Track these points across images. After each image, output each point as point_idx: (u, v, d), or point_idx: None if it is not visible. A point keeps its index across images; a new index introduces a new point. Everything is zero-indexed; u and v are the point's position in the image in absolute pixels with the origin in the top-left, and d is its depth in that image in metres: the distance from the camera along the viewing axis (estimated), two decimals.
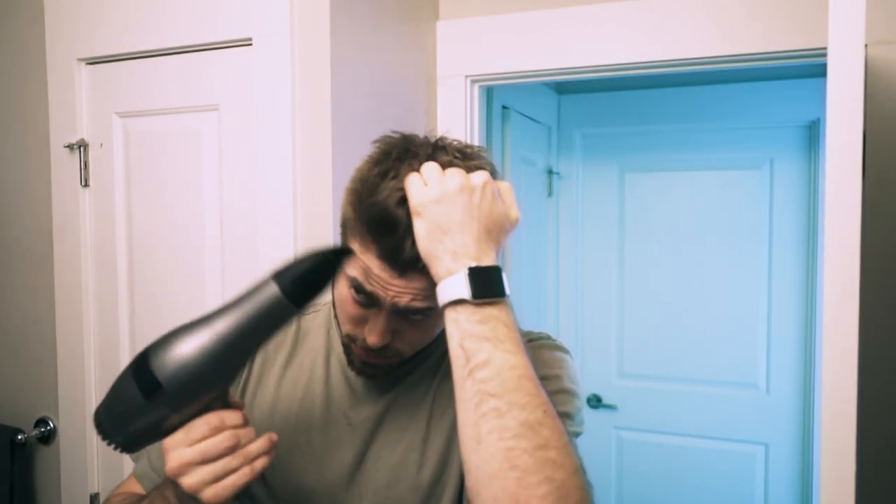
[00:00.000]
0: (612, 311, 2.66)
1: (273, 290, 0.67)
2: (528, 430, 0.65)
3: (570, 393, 0.83)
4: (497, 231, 0.73)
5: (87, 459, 1.60)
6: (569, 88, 2.67)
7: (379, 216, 0.73)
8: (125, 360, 1.56)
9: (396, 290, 0.75)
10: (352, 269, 0.77)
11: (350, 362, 0.85)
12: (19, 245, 1.66)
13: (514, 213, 0.76)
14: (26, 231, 1.63)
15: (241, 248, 1.43)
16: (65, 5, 1.56)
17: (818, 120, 2.35)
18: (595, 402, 2.70)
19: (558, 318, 2.70)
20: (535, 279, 2.46)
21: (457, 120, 1.77)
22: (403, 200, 0.73)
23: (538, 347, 0.87)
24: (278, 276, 0.67)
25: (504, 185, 0.77)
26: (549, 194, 2.61)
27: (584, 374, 2.73)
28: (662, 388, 2.59)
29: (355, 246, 0.77)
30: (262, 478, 0.85)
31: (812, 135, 2.38)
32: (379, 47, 1.54)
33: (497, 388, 0.66)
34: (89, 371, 1.59)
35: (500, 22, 1.73)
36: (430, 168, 0.73)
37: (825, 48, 0.95)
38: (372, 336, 0.78)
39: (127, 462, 1.57)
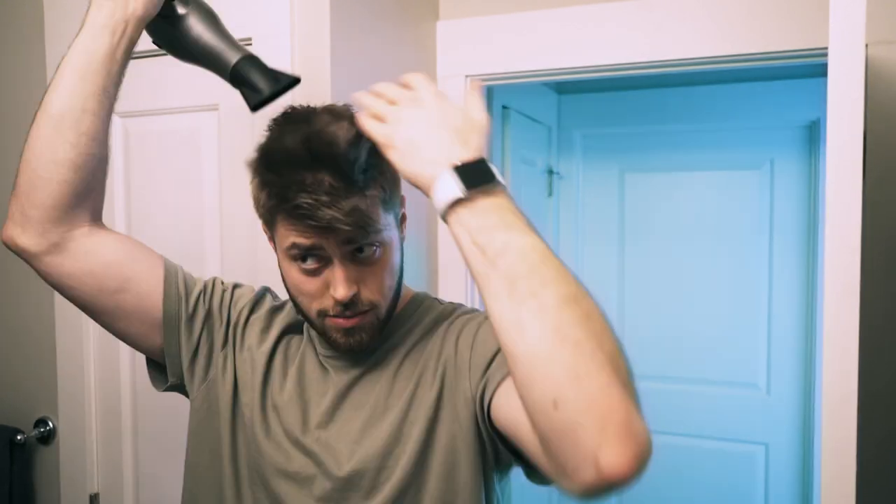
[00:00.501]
0: (612, 310, 2.65)
1: (235, 58, 0.89)
2: (570, 302, 0.63)
3: None
4: (467, 132, 0.76)
5: (87, 459, 1.60)
6: (569, 88, 2.67)
7: (283, 174, 0.79)
8: (125, 360, 1.56)
9: (335, 230, 0.78)
10: (287, 240, 0.82)
11: (333, 342, 0.88)
12: None
13: (477, 114, 0.78)
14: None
15: (240, 248, 1.43)
16: (64, 5, 1.56)
17: (818, 120, 2.35)
18: None
19: None
20: None
21: None
22: (293, 150, 0.79)
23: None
24: (249, 59, 0.90)
25: (470, 91, 0.81)
26: (549, 194, 2.61)
27: None
28: (662, 388, 2.59)
29: (281, 222, 0.82)
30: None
31: (812, 135, 2.38)
32: (379, 47, 1.54)
33: (525, 269, 0.65)
34: (89, 371, 1.59)
35: (500, 22, 1.72)
36: (375, 100, 0.79)
37: (825, 48, 0.95)
38: (339, 289, 0.81)
39: (127, 463, 1.57)
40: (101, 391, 1.59)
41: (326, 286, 0.84)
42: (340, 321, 0.85)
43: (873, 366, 1.29)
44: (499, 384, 0.78)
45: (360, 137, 0.80)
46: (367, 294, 0.85)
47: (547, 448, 0.64)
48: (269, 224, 0.87)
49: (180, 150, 1.50)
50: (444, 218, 0.71)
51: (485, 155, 0.74)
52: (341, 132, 0.80)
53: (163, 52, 0.96)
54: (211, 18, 0.93)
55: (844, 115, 0.93)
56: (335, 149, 0.79)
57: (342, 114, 0.84)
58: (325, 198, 0.77)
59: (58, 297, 1.61)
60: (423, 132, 0.74)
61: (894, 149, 1.33)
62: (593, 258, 2.68)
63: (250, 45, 1.38)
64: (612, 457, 0.58)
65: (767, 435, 2.47)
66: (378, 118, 0.78)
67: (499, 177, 0.71)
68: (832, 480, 0.94)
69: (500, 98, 2.04)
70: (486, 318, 0.87)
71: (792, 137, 2.41)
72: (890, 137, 1.33)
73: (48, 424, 1.64)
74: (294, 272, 0.86)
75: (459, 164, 0.70)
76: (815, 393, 2.37)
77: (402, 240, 0.91)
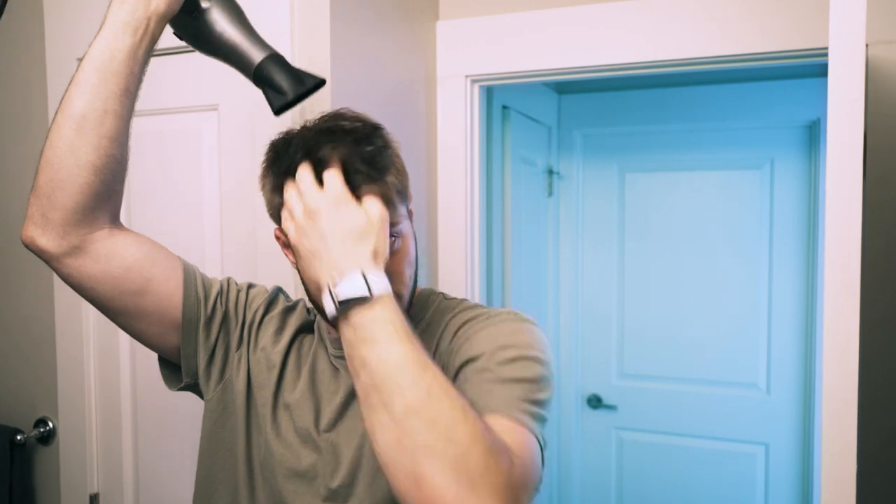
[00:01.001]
0: (612, 311, 2.66)
1: (260, 57, 0.88)
2: (410, 415, 0.68)
3: (530, 359, 0.84)
4: (358, 237, 0.76)
5: (87, 460, 1.60)
6: (569, 88, 2.67)
7: (297, 156, 0.81)
8: (125, 360, 1.56)
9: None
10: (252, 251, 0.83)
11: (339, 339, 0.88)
12: (19, 245, 1.66)
13: (373, 213, 0.78)
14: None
15: (241, 248, 1.43)
16: (64, 5, 1.55)
17: (818, 120, 2.35)
18: (595, 402, 2.70)
19: (558, 318, 2.70)
20: (535, 279, 2.46)
21: (457, 120, 1.77)
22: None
23: (499, 322, 0.89)
24: (274, 58, 0.88)
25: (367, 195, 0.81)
26: (549, 194, 2.61)
27: (585, 374, 2.73)
28: (662, 388, 2.59)
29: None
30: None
31: (812, 135, 2.38)
32: (379, 47, 1.54)
33: (377, 380, 0.70)
34: (89, 371, 1.59)
35: (500, 22, 1.72)
36: (289, 201, 0.81)
37: (825, 48, 0.95)
38: None
39: (127, 463, 1.57)
40: (101, 391, 1.59)
41: None
42: None
43: (873, 366, 1.29)
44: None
45: (375, 128, 0.84)
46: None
47: None
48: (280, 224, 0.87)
49: (180, 150, 1.50)
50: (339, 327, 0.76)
51: (370, 261, 0.76)
52: (356, 122, 0.83)
53: (162, 51, 0.96)
54: (236, 13, 0.91)
55: (844, 114, 0.92)
56: (353, 126, 0.81)
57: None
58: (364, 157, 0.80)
59: (58, 298, 1.61)
60: (317, 245, 0.77)
61: (894, 149, 1.33)
62: (593, 258, 2.68)
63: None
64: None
65: (767, 435, 2.47)
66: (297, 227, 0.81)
67: (375, 289, 0.73)
68: (832, 480, 0.94)
69: (500, 98, 2.04)
70: (490, 317, 0.89)
71: (792, 137, 2.42)
72: (890, 137, 1.33)
73: (48, 424, 1.64)
74: None
75: (334, 284, 0.74)
76: (815, 393, 2.37)
77: (414, 232, 0.92)
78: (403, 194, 0.87)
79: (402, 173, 0.87)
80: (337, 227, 0.77)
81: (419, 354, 0.71)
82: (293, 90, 0.87)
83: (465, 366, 0.83)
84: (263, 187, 0.88)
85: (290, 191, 0.81)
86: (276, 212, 0.87)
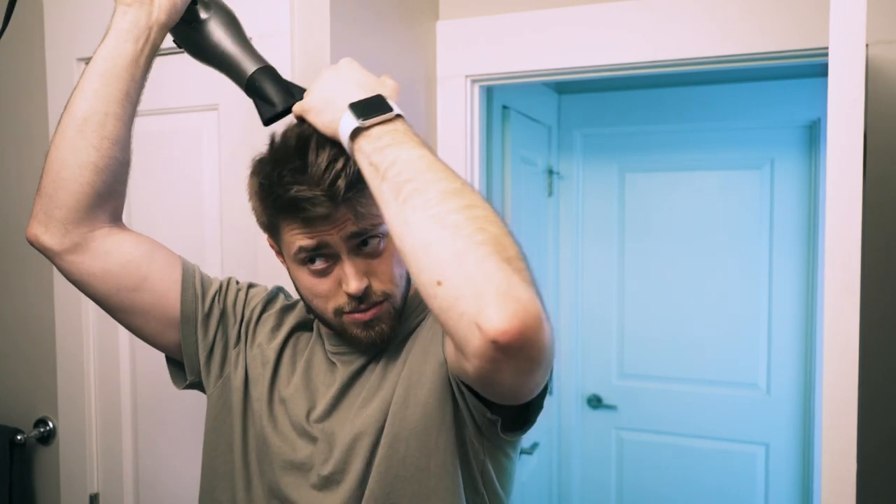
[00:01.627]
0: (612, 310, 2.66)
1: (253, 68, 0.91)
2: (450, 195, 0.68)
3: None
4: (373, 85, 0.82)
5: (87, 460, 1.60)
6: (569, 88, 2.67)
7: (276, 170, 0.84)
8: (125, 360, 1.56)
9: (336, 226, 0.83)
10: (293, 246, 0.85)
11: (355, 340, 0.90)
12: (19, 245, 1.66)
13: (388, 80, 0.85)
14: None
15: (240, 248, 1.43)
16: (64, 5, 1.55)
17: (818, 120, 2.35)
18: (595, 402, 2.70)
19: (558, 318, 2.70)
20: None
21: (457, 120, 1.77)
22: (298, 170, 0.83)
23: None
24: (266, 70, 0.91)
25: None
26: (549, 194, 2.61)
27: (584, 374, 2.73)
28: (662, 388, 2.59)
29: (284, 228, 0.86)
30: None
31: (812, 135, 2.38)
32: (379, 47, 1.54)
33: (411, 173, 0.70)
34: (89, 371, 1.59)
35: (500, 22, 1.72)
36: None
37: (825, 48, 0.95)
38: (351, 283, 0.84)
39: (127, 463, 1.57)
40: (101, 391, 1.59)
41: (338, 284, 0.86)
42: (357, 316, 0.87)
43: (874, 365, 1.29)
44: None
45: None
46: (379, 285, 0.87)
47: (446, 332, 0.67)
48: (273, 233, 0.90)
49: (180, 150, 1.50)
50: (352, 153, 0.77)
51: (389, 94, 0.81)
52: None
53: (162, 52, 0.97)
54: (233, 25, 0.95)
55: (844, 114, 0.93)
56: (323, 143, 0.83)
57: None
58: (318, 189, 0.80)
59: (57, 297, 1.61)
60: (332, 89, 0.81)
61: (894, 149, 1.33)
62: (593, 258, 2.68)
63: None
64: (490, 318, 0.61)
65: (767, 435, 2.47)
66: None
67: (395, 108, 0.77)
68: (832, 480, 0.94)
69: (500, 98, 2.04)
70: None
71: (792, 137, 2.42)
72: (890, 137, 1.33)
73: (48, 424, 1.64)
74: (305, 276, 0.88)
75: (355, 101, 0.77)
76: (815, 393, 2.37)
77: None
78: None
79: None
80: (356, 73, 0.83)
81: (441, 161, 0.74)
82: (282, 102, 0.90)
83: None
84: (252, 198, 0.91)
85: None
86: (263, 224, 0.90)
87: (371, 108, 0.76)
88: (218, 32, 0.94)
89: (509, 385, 0.71)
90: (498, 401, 0.78)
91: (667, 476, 2.59)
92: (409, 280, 0.92)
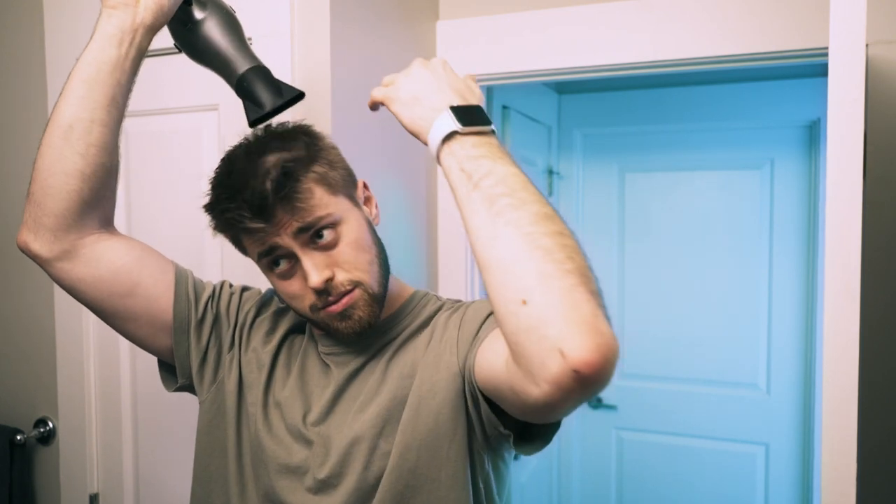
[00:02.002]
0: (612, 310, 2.64)
1: (244, 68, 0.90)
2: (543, 218, 0.68)
3: None
4: (465, 92, 0.80)
5: (87, 460, 1.60)
6: (569, 88, 2.67)
7: (229, 197, 0.85)
8: (125, 360, 1.56)
9: (280, 227, 0.84)
10: (253, 254, 0.88)
11: (336, 333, 0.90)
12: None
13: (475, 87, 0.83)
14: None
15: None
16: (64, 5, 1.55)
17: (818, 120, 2.35)
18: (595, 402, 2.70)
19: None
20: None
21: None
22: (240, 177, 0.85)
23: (479, 303, 0.92)
24: (256, 69, 0.90)
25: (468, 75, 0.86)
26: (549, 194, 2.61)
27: None
28: (662, 388, 2.59)
29: (243, 240, 0.89)
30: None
31: (812, 135, 2.38)
32: (379, 47, 1.54)
33: (506, 189, 0.69)
34: (89, 371, 1.59)
35: (500, 22, 1.72)
36: (390, 76, 0.85)
37: (825, 48, 0.95)
38: (312, 277, 0.84)
39: (127, 463, 1.57)
40: (101, 391, 1.59)
41: (305, 282, 0.86)
42: (330, 309, 0.87)
43: (874, 365, 1.29)
44: (480, 345, 0.82)
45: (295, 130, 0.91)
46: (344, 275, 0.87)
47: (516, 351, 0.66)
48: (238, 248, 0.92)
49: (180, 150, 1.50)
50: (438, 154, 0.76)
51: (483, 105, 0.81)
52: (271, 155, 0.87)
53: (162, 51, 0.97)
54: (230, 25, 0.94)
55: (844, 114, 0.93)
56: (246, 158, 0.86)
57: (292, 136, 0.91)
58: (246, 206, 0.83)
59: (57, 298, 1.61)
60: (426, 86, 0.80)
61: (894, 149, 1.33)
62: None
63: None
64: (576, 346, 0.61)
65: (767, 435, 2.47)
66: (384, 85, 0.84)
67: (493, 124, 0.76)
68: (832, 481, 0.94)
69: (500, 98, 2.04)
70: (475, 301, 0.92)
71: (792, 137, 2.42)
72: (890, 137, 1.34)
73: (48, 424, 1.64)
74: (275, 281, 0.90)
75: (457, 105, 0.76)
76: (815, 393, 2.37)
77: (370, 219, 0.95)
78: (335, 184, 0.89)
79: (329, 164, 0.90)
80: (450, 77, 0.82)
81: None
82: (270, 103, 0.89)
83: (486, 318, 0.85)
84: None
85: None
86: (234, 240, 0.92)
87: (471, 116, 0.75)
88: (213, 33, 0.92)
89: (562, 412, 0.70)
90: (528, 419, 0.77)
91: (667, 476, 2.59)
92: (385, 265, 0.92)
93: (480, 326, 0.85)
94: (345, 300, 0.87)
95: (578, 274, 0.65)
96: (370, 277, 0.88)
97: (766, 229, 2.45)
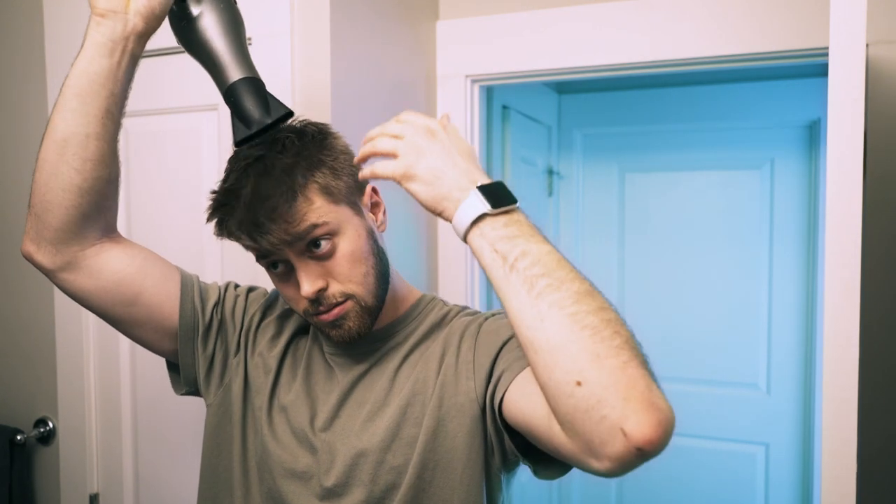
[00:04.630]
0: None
1: (235, 77, 0.85)
2: (585, 296, 0.68)
3: None
4: (474, 158, 0.79)
5: (87, 460, 1.60)
6: (569, 88, 2.67)
7: (225, 204, 0.86)
8: (125, 360, 1.56)
9: (281, 234, 0.83)
10: (253, 254, 0.88)
11: (328, 337, 0.90)
12: (19, 247, 1.66)
13: (467, 142, 0.82)
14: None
15: (240, 249, 1.43)
16: (63, 5, 1.55)
17: (819, 120, 2.35)
18: None
19: None
20: None
21: (457, 120, 1.77)
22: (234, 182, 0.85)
23: (500, 318, 0.90)
24: (248, 81, 0.85)
25: (449, 121, 0.84)
26: (549, 194, 2.61)
27: None
28: (662, 387, 2.59)
29: (234, 238, 0.87)
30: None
31: (812, 135, 2.38)
32: (379, 47, 1.54)
33: (543, 269, 0.69)
34: (89, 371, 1.59)
35: (500, 22, 1.72)
36: (385, 140, 0.80)
37: (826, 48, 0.95)
38: (304, 287, 0.84)
39: (127, 463, 1.57)
40: (101, 391, 1.59)
41: (300, 287, 0.86)
42: (322, 317, 0.87)
43: (874, 365, 1.29)
44: (511, 380, 0.80)
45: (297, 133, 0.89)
46: (338, 286, 0.86)
47: (571, 429, 0.66)
48: (243, 247, 0.91)
49: (180, 150, 1.49)
50: (466, 234, 0.74)
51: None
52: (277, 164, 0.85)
53: (162, 51, 0.96)
54: (229, 24, 0.89)
55: (845, 114, 0.93)
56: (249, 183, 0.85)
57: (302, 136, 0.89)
58: (243, 231, 0.83)
59: (57, 298, 1.61)
60: (443, 160, 0.76)
61: (894, 149, 1.33)
62: (593, 258, 2.68)
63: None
64: (637, 425, 0.62)
65: (767, 435, 2.47)
66: (389, 155, 0.79)
67: (518, 201, 0.75)
68: (832, 480, 0.94)
69: (500, 98, 2.04)
70: (487, 318, 0.90)
71: (792, 137, 2.41)
72: (890, 137, 1.33)
73: (48, 424, 1.64)
74: (274, 281, 0.90)
75: (483, 183, 0.74)
76: (816, 393, 2.37)
77: (373, 226, 0.92)
78: (337, 193, 0.87)
79: (333, 172, 0.87)
80: (457, 144, 0.79)
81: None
82: (257, 123, 0.84)
83: (504, 346, 0.84)
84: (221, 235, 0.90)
85: (388, 122, 0.82)
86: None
87: (498, 195, 0.74)
88: (210, 31, 0.87)
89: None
90: (563, 461, 0.76)
91: (667, 476, 2.59)
92: (385, 277, 0.91)
93: (498, 352, 0.84)
94: (336, 311, 0.86)
95: (628, 349, 0.65)
96: (364, 290, 0.88)
97: (766, 229, 2.45)
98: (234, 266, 1.44)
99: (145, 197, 1.53)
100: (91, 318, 1.59)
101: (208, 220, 0.89)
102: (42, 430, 1.64)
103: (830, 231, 0.94)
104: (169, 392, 1.05)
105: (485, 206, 0.72)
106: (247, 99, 0.85)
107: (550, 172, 2.60)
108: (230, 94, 0.86)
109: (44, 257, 0.89)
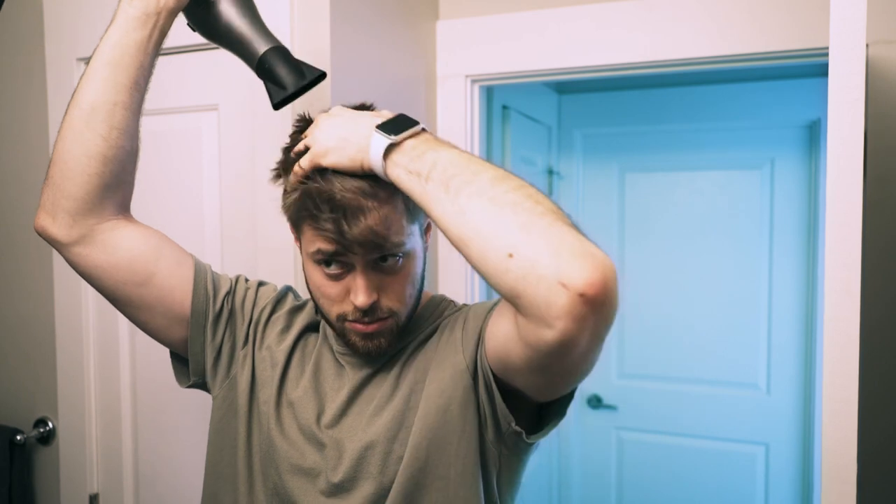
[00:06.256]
0: None
1: (263, 48, 0.89)
2: (499, 180, 0.71)
3: None
4: (370, 120, 0.81)
5: (87, 460, 1.60)
6: (569, 88, 2.67)
7: (320, 195, 0.82)
8: (125, 360, 1.56)
9: (360, 241, 0.81)
10: (313, 245, 0.84)
11: (352, 345, 0.89)
12: (19, 245, 1.66)
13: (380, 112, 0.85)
14: (26, 231, 1.63)
15: (241, 247, 1.43)
16: (63, 5, 1.55)
17: (819, 120, 2.35)
18: (595, 402, 2.70)
19: None
20: None
21: (457, 120, 1.77)
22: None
23: (479, 304, 0.92)
24: (277, 50, 0.89)
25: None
26: (549, 194, 2.60)
27: None
28: (662, 388, 2.59)
29: (307, 229, 0.84)
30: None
31: (812, 135, 2.38)
32: (379, 47, 1.54)
33: (455, 169, 0.73)
34: (89, 371, 1.59)
35: (500, 22, 1.72)
36: (306, 141, 0.84)
37: (826, 48, 0.95)
38: (360, 297, 0.83)
39: (127, 463, 1.57)
40: (101, 391, 1.59)
41: (348, 291, 0.85)
42: (359, 326, 0.87)
43: (874, 365, 1.29)
44: (486, 332, 0.83)
45: None
46: (387, 302, 0.86)
47: (518, 303, 0.68)
48: (296, 226, 0.88)
49: (180, 150, 1.50)
50: (385, 172, 0.77)
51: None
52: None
53: (162, 51, 0.96)
54: (246, 4, 0.93)
55: (845, 114, 0.93)
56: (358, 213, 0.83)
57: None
58: (349, 219, 0.80)
59: (58, 298, 1.61)
60: (343, 126, 0.81)
61: (894, 149, 1.33)
62: None
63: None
64: (574, 273, 0.64)
65: (767, 435, 2.47)
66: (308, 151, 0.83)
67: (420, 122, 0.79)
68: (832, 480, 0.94)
69: (500, 98, 2.04)
70: (477, 304, 0.92)
71: (792, 137, 2.42)
72: (890, 137, 1.34)
73: (48, 424, 1.64)
74: (318, 275, 0.87)
75: (381, 122, 0.79)
76: (815, 393, 2.37)
77: (425, 249, 0.92)
78: (414, 212, 0.86)
79: None
80: (358, 113, 0.84)
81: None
82: (293, 84, 0.89)
83: (489, 313, 0.86)
84: (285, 183, 0.89)
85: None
86: (288, 212, 0.87)
87: (399, 125, 0.78)
88: (229, 12, 0.92)
89: (582, 345, 0.69)
90: (553, 377, 0.77)
91: (667, 476, 2.59)
92: (417, 299, 0.91)
93: (483, 323, 0.86)
94: (377, 325, 0.86)
95: (551, 213, 0.68)
96: (406, 310, 0.89)
97: (766, 229, 2.45)
98: (234, 266, 1.44)
99: (145, 197, 1.52)
100: (91, 317, 1.59)
101: (291, 195, 0.85)
102: (42, 430, 1.64)
103: (830, 231, 0.94)
104: (169, 391, 1.05)
105: (388, 139, 0.76)
106: (279, 65, 0.90)
107: (550, 172, 2.60)
108: (262, 63, 0.90)
109: (59, 229, 0.89)
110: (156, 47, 0.90)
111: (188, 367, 1.00)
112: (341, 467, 0.88)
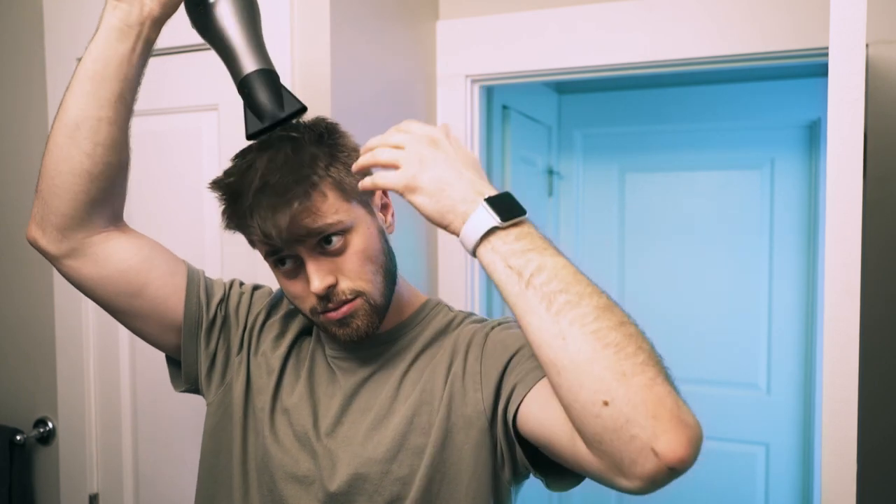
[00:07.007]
0: None
1: (250, 69, 0.84)
2: (605, 311, 0.66)
3: None
4: (478, 168, 0.77)
5: (87, 460, 1.60)
6: (569, 88, 2.67)
7: (238, 196, 0.82)
8: (125, 360, 1.56)
9: (293, 230, 0.80)
10: (261, 251, 0.86)
11: (334, 337, 0.89)
12: (19, 245, 1.66)
13: (472, 153, 0.80)
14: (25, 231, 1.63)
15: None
16: (63, 5, 1.55)
17: (819, 120, 2.35)
18: None
19: None
20: None
21: (457, 120, 1.77)
22: (242, 173, 0.83)
23: (507, 328, 0.89)
24: (262, 74, 0.84)
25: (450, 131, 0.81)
26: (550, 194, 2.61)
27: None
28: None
29: (250, 238, 0.86)
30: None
31: (812, 135, 2.38)
32: (379, 47, 1.54)
33: (561, 284, 0.67)
34: (88, 371, 1.59)
35: (500, 22, 1.72)
36: (386, 150, 0.77)
37: (825, 48, 0.95)
38: (314, 282, 0.82)
39: (127, 463, 1.57)
40: (101, 391, 1.59)
41: (308, 284, 0.85)
42: (330, 315, 0.86)
43: (874, 365, 1.29)
44: (525, 394, 0.78)
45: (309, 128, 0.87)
46: (347, 283, 0.85)
47: (598, 448, 0.65)
48: (249, 242, 0.89)
49: (180, 150, 1.50)
50: (475, 249, 0.72)
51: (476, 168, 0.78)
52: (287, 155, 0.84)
53: (162, 51, 0.95)
54: (246, 12, 0.87)
55: (845, 114, 0.93)
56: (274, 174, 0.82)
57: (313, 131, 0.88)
58: (274, 218, 0.80)
59: (58, 298, 1.61)
60: (447, 171, 0.74)
61: (894, 149, 1.33)
62: (593, 258, 2.68)
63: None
64: (669, 444, 0.61)
65: (767, 435, 2.47)
66: (391, 166, 0.77)
67: (525, 207, 0.73)
68: (832, 480, 0.94)
69: (500, 98, 2.04)
70: (494, 328, 0.89)
71: (792, 137, 2.41)
72: (890, 137, 1.34)
73: (48, 425, 1.64)
74: (279, 278, 0.88)
75: (490, 196, 0.72)
76: (816, 393, 2.37)
77: (384, 226, 0.92)
78: (351, 191, 0.85)
79: (347, 170, 0.85)
80: (461, 154, 0.76)
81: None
82: (270, 117, 0.83)
83: (512, 359, 0.83)
84: (228, 228, 0.88)
85: (388, 132, 0.80)
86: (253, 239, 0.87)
87: (507, 207, 0.71)
88: (226, 19, 0.86)
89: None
90: (586, 476, 0.74)
91: None
92: (392, 277, 0.90)
93: (507, 363, 0.83)
94: (345, 308, 0.85)
95: (653, 364, 0.64)
96: (373, 288, 0.86)
97: (766, 229, 2.45)
98: (234, 267, 1.44)
99: (146, 197, 1.53)
100: (91, 318, 1.59)
101: (221, 210, 0.86)
102: (42, 430, 1.64)
103: (830, 231, 0.94)
104: (169, 392, 1.05)
105: (494, 220, 0.70)
106: (260, 92, 0.84)
107: (550, 172, 2.60)
108: (244, 85, 0.85)
109: (49, 243, 0.88)
110: (141, 58, 0.85)
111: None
112: (336, 479, 0.87)
